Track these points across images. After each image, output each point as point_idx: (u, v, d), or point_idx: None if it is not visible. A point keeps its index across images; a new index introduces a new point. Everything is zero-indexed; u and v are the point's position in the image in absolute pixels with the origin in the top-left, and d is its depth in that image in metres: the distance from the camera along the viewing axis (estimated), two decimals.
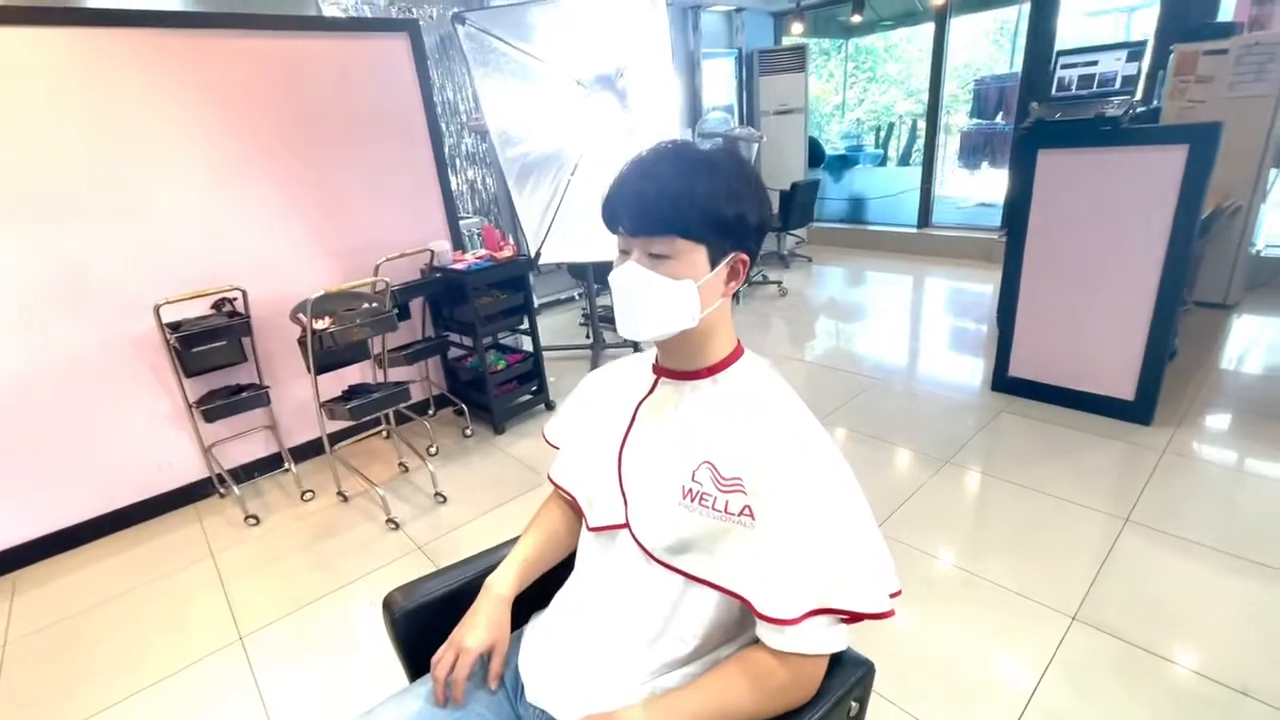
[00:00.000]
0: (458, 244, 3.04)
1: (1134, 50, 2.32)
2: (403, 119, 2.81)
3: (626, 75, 2.38)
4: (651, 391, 0.83)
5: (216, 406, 2.29)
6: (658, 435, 0.80)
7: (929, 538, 1.97)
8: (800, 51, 5.76)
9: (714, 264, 0.72)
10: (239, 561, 2.17)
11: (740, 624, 0.77)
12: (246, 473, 2.67)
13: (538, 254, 2.55)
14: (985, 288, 4.45)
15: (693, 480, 0.74)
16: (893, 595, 0.71)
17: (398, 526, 2.26)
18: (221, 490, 2.55)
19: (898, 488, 2.20)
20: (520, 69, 2.27)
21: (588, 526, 0.86)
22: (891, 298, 4.67)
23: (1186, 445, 2.30)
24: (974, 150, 6.93)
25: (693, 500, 0.74)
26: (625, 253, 0.74)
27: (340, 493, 2.48)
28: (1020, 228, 2.59)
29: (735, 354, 0.79)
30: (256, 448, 2.70)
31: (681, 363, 0.79)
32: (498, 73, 2.19)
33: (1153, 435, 2.38)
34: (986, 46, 9.62)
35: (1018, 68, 6.88)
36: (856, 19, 5.11)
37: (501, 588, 0.88)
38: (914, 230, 5.61)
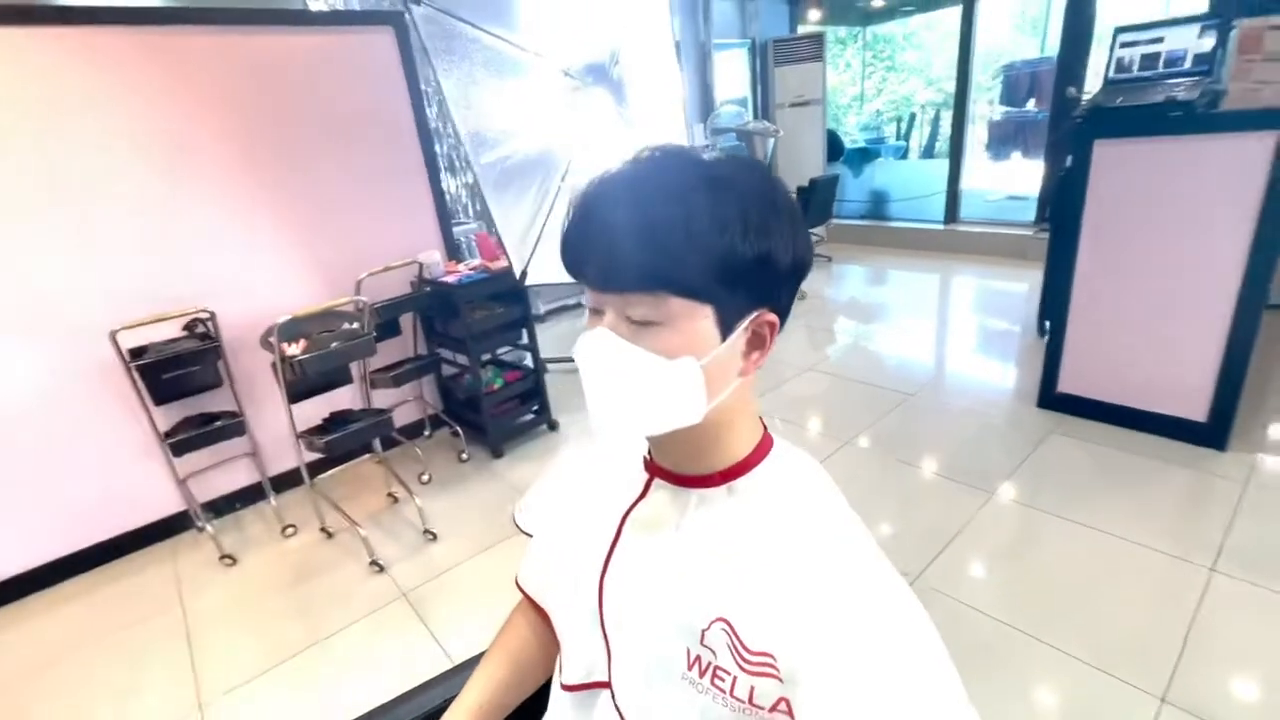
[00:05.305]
0: (452, 253, 2.82)
1: (1208, 24, 2.02)
2: (389, 120, 2.59)
3: (622, 62, 2.09)
4: (643, 497, 0.59)
5: (186, 439, 2.10)
6: (652, 565, 0.56)
7: (979, 590, 1.72)
8: (818, 40, 5.46)
9: (727, 331, 0.48)
10: (211, 609, 1.98)
11: None
12: (228, 503, 2.49)
13: (523, 274, 2.28)
14: (1020, 287, 4.15)
15: (702, 645, 0.51)
16: None
17: (382, 569, 2.05)
18: (199, 524, 2.36)
19: (939, 527, 1.95)
20: (494, 57, 1.99)
21: (560, 682, 0.63)
22: (918, 299, 4.38)
23: (1272, 475, 2.02)
24: (1003, 140, 6.56)
25: (702, 675, 0.50)
26: (596, 313, 0.50)
27: (324, 529, 2.28)
28: (1069, 225, 2.31)
29: (761, 450, 0.55)
30: (238, 476, 2.51)
31: (682, 463, 0.56)
32: (466, 62, 1.93)
33: (1230, 463, 2.09)
34: (1008, 32, 9.21)
35: (1048, 52, 6.52)
36: (879, 2, 4.81)
37: None
38: (940, 227, 5.29)
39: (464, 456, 2.70)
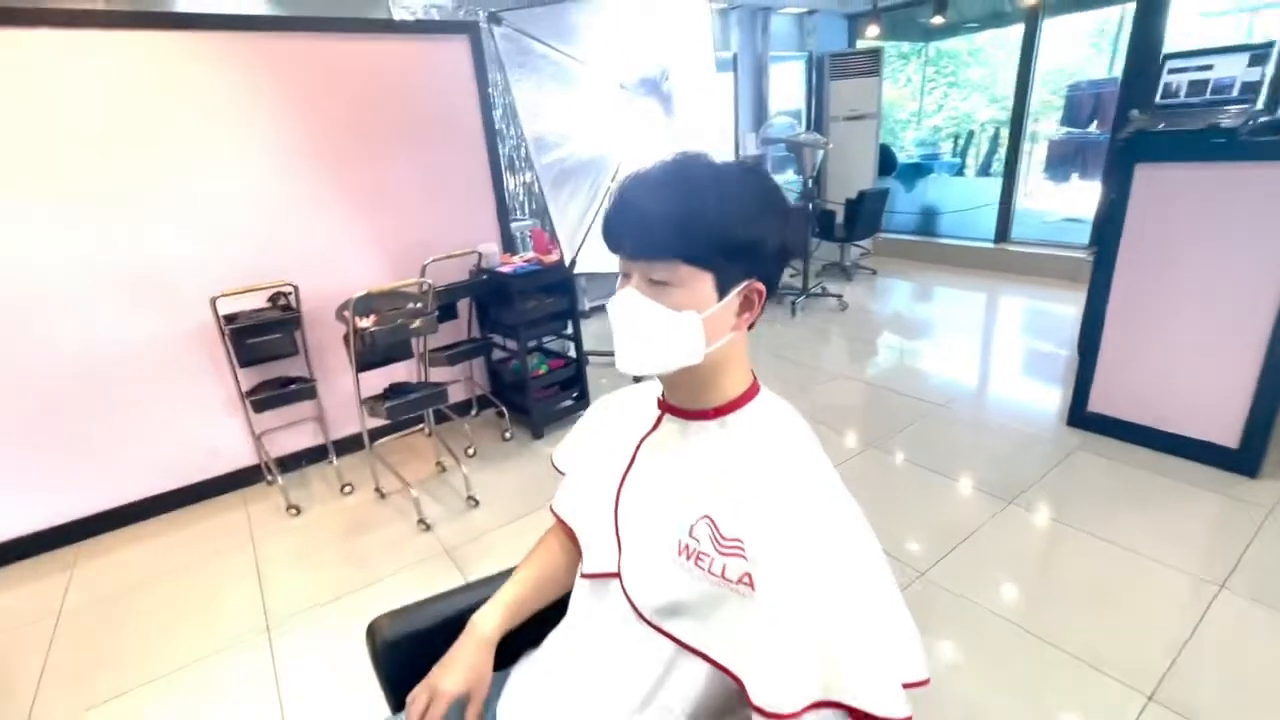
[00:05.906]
0: (508, 247, 3.03)
1: (1258, 53, 2.04)
2: (461, 121, 2.82)
3: (672, 78, 2.28)
4: (655, 429, 0.74)
5: (264, 398, 2.36)
6: (657, 479, 0.71)
7: (986, 588, 1.79)
8: (875, 55, 5.51)
9: (722, 293, 0.63)
10: (278, 551, 2.22)
11: (737, 701, 0.68)
12: (294, 461, 2.75)
13: (573, 262, 2.50)
14: (1069, 309, 4.11)
15: (690, 536, 0.65)
16: (918, 684, 0.60)
17: (429, 528, 2.26)
18: (269, 478, 2.63)
19: (954, 527, 2.02)
20: (559, 71, 2.22)
21: (581, 572, 0.79)
22: (962, 316, 4.38)
23: None
24: (1063, 161, 6.43)
25: (688, 558, 0.65)
26: (626, 276, 0.66)
27: (378, 489, 2.50)
28: (1110, 247, 2.34)
29: (748, 394, 0.70)
30: (304, 438, 2.77)
31: (686, 400, 0.71)
32: (535, 75, 2.15)
33: (1259, 490, 2.09)
34: (1082, 50, 8.96)
35: (1117, 73, 6.36)
36: (938, 20, 4.84)
37: (485, 628, 0.82)
38: (991, 245, 5.26)
39: (507, 435, 2.90)
